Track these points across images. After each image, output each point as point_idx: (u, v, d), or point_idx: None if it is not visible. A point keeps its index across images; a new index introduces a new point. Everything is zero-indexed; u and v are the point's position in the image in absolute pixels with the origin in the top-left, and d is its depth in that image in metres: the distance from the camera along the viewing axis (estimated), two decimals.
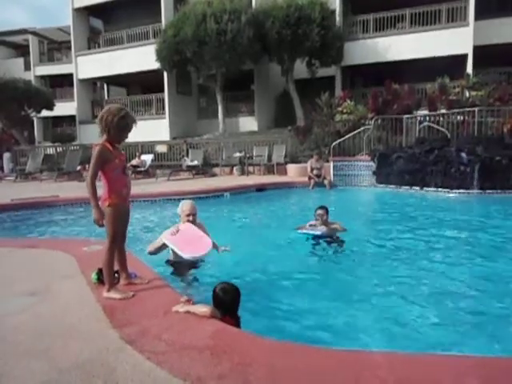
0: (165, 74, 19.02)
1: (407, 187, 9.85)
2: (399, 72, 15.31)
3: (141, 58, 19.19)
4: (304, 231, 5.09)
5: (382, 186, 10.45)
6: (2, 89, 20.84)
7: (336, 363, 2.01)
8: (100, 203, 2.76)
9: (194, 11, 16.22)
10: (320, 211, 5.13)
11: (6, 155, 18.54)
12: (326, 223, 5.09)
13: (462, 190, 8.97)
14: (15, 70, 29.51)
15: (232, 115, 19.46)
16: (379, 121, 12.23)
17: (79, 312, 2.65)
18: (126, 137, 2.91)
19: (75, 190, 10.47)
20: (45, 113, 23.53)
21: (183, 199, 4.53)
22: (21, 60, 32.16)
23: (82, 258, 3.76)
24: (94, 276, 3.14)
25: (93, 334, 2.35)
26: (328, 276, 4.08)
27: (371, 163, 10.81)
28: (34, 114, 23.81)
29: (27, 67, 30.25)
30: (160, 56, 17.34)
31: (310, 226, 5.15)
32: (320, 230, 5.00)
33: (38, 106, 22.75)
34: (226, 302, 2.54)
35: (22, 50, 32.17)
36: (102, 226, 2.74)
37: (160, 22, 19.19)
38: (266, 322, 2.93)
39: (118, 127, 2.78)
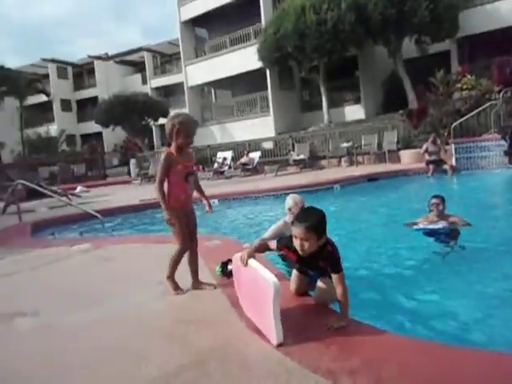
0: (267, 72, 19.35)
1: None
2: None
3: (243, 59, 19.82)
4: (422, 226, 4.58)
5: None
6: (126, 103, 23.37)
7: (479, 365, 1.80)
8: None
9: (292, 6, 16.22)
10: (435, 200, 4.57)
11: (132, 161, 20.71)
12: (442, 215, 4.52)
13: None
14: (134, 84, 32.88)
15: (337, 105, 19.05)
16: (509, 93, 10.83)
17: (207, 302, 2.77)
18: (190, 141, 2.94)
19: None
20: (161, 120, 25.75)
21: (291, 193, 4.45)
22: (138, 75, 35.77)
23: (205, 252, 3.91)
24: (218, 269, 3.26)
25: (222, 322, 2.42)
26: (449, 275, 3.63)
27: (502, 142, 9.60)
28: (152, 122, 26.26)
29: (144, 81, 33.47)
30: (262, 55, 17.70)
31: (424, 220, 4.64)
32: (441, 223, 4.46)
33: (156, 115, 25.02)
34: None
35: (139, 67, 35.76)
36: (173, 225, 2.89)
37: (260, 22, 19.58)
38: (381, 318, 2.71)
39: (179, 132, 2.85)
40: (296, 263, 2.57)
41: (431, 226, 4.51)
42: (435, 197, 4.67)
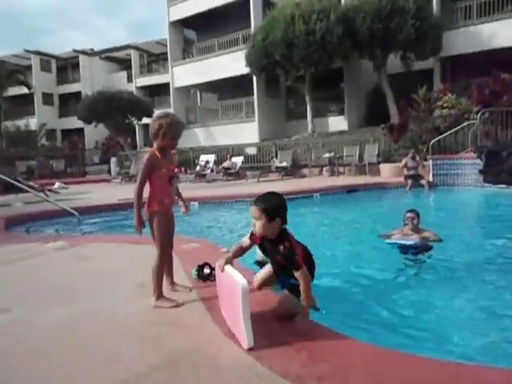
0: (254, 78, 19.45)
1: None
2: (509, 60, 13.81)
3: (231, 64, 19.88)
4: (393, 241, 4.68)
5: (490, 185, 9.51)
6: (110, 100, 23.10)
7: (446, 376, 1.85)
8: (144, 209, 2.75)
9: (282, 14, 16.39)
10: (410, 214, 4.71)
11: (113, 160, 20.44)
12: (416, 229, 4.65)
13: None
14: (120, 82, 32.56)
15: (321, 115, 19.27)
16: (486, 114, 11.15)
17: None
18: (176, 144, 2.83)
19: None
20: (145, 120, 25.51)
21: None
22: (124, 73, 35.46)
23: (182, 255, 3.90)
24: (194, 272, 3.26)
25: (196, 325, 2.43)
26: (418, 287, 3.72)
27: (477, 161, 9.89)
28: (135, 121, 26.00)
29: (130, 79, 33.17)
30: (249, 61, 17.79)
31: (398, 233, 4.74)
32: (412, 239, 4.57)
33: (140, 114, 24.78)
34: None
35: (125, 64, 35.44)
36: (140, 233, 2.72)
37: (249, 27, 19.70)
38: (350, 327, 2.76)
39: (166, 133, 2.71)
40: (259, 247, 2.63)
41: (402, 242, 4.60)
42: (410, 211, 4.79)
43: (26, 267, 4.06)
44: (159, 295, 2.76)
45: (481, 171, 9.82)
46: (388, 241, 4.75)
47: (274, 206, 2.38)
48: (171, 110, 23.60)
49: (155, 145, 2.77)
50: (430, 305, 3.28)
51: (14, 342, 2.37)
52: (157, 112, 3.33)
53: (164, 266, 2.84)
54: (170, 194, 2.85)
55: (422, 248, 4.53)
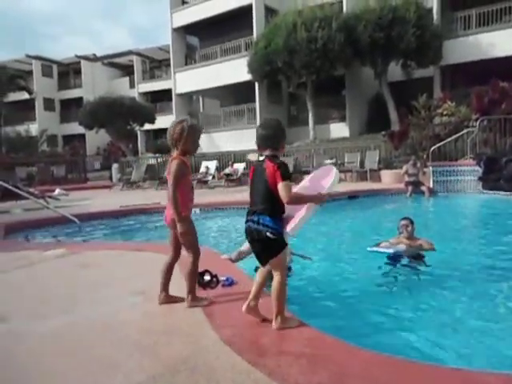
0: (256, 85, 19.52)
1: None
2: (507, 69, 13.88)
3: (233, 70, 19.97)
4: (381, 250, 4.67)
5: (489, 192, 9.53)
6: (111, 106, 23.18)
7: (446, 381, 1.85)
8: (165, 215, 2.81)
9: (284, 21, 16.50)
10: (404, 222, 4.70)
11: (115, 166, 20.45)
12: (410, 237, 4.65)
13: None
14: (122, 88, 32.69)
15: (323, 122, 19.30)
16: (485, 122, 11.20)
17: (181, 312, 2.76)
18: (197, 148, 2.88)
19: None
20: (147, 126, 25.59)
21: None
22: (126, 79, 35.59)
23: (182, 262, 3.91)
24: None
25: (194, 333, 2.43)
26: (411, 295, 3.73)
27: (477, 168, 9.93)
28: (137, 127, 26.06)
29: (132, 85, 33.32)
30: (251, 68, 17.87)
31: (392, 241, 4.73)
32: (396, 248, 4.55)
33: (142, 120, 24.84)
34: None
35: (127, 70, 35.62)
36: (186, 235, 2.72)
37: (252, 34, 19.82)
38: (347, 332, 2.77)
39: (189, 136, 2.75)
40: None
41: (383, 249, 4.61)
42: (404, 219, 4.78)
43: (26, 275, 4.05)
44: (194, 296, 2.84)
45: (480, 178, 9.85)
46: (375, 248, 4.75)
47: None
48: (173, 116, 23.67)
49: (176, 151, 2.76)
50: (425, 312, 3.29)
51: (11, 352, 2.37)
52: (172, 119, 3.33)
53: (198, 264, 2.87)
54: (192, 199, 2.91)
55: (411, 256, 4.51)
